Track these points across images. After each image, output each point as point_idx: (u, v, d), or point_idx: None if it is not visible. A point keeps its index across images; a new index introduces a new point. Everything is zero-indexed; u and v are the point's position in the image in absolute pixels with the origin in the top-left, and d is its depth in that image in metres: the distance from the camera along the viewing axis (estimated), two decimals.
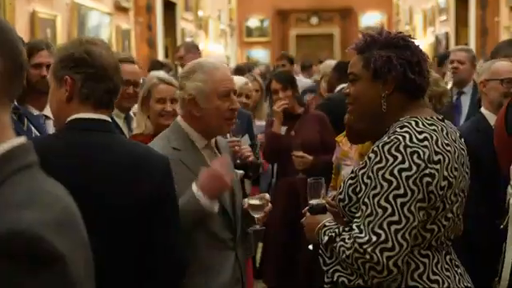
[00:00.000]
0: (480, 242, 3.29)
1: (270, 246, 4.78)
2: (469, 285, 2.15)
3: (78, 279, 0.96)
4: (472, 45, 11.62)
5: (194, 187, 2.37)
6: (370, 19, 22.33)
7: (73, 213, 1.02)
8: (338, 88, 5.97)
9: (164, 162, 2.11)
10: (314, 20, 22.76)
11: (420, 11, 16.89)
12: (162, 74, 3.68)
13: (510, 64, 3.72)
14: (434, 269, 2.06)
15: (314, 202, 2.37)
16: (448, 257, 2.12)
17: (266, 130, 4.89)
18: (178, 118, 2.61)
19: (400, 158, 1.96)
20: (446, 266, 2.09)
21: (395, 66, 2.08)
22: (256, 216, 2.67)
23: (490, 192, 3.26)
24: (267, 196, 2.76)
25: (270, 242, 4.73)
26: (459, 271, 2.15)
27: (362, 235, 1.95)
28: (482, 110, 3.63)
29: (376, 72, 2.11)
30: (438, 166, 1.98)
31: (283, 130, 4.69)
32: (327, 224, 2.15)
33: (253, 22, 22.70)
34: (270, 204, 2.72)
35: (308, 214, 2.32)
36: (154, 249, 2.03)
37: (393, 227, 1.93)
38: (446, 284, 2.05)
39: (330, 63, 7.21)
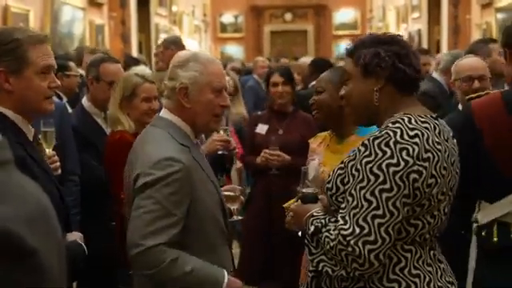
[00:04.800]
0: (449, 237, 3.31)
1: (247, 245, 4.78)
2: (451, 279, 2.17)
3: (51, 274, 0.97)
4: (444, 42, 11.76)
5: (226, 279, 2.33)
6: (344, 16, 22.46)
7: (47, 210, 1.02)
8: (312, 84, 6.01)
9: None
10: (288, 16, 22.81)
11: (393, 8, 17.04)
12: (144, 69, 3.64)
13: (472, 60, 3.70)
14: (416, 264, 2.08)
15: (305, 190, 2.34)
16: (432, 252, 2.14)
17: (249, 128, 4.87)
18: (164, 113, 2.47)
19: (389, 153, 1.97)
20: (429, 261, 2.11)
21: (383, 59, 2.11)
22: (232, 207, 2.68)
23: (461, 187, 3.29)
24: (238, 187, 2.78)
25: (248, 241, 4.75)
26: (442, 266, 2.16)
27: (346, 227, 1.97)
28: (460, 106, 3.66)
29: (366, 68, 2.13)
30: (426, 164, 2.00)
31: (264, 129, 4.63)
32: (315, 214, 2.16)
33: (227, 18, 22.68)
34: (241, 197, 2.76)
35: (298, 201, 2.32)
36: None
37: (376, 221, 1.95)
38: (427, 279, 2.08)
39: (307, 60, 7.30)
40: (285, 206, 2.68)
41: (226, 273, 2.34)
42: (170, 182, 2.23)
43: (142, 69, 3.58)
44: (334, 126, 3.03)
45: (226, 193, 2.66)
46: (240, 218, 2.79)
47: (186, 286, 2.26)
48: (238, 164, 4.81)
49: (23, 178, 1.03)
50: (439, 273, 2.13)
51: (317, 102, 3.04)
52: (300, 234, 2.30)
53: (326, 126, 3.12)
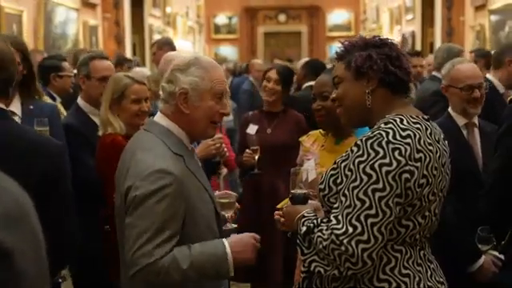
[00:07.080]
0: (448, 239, 3.30)
1: None
2: (441, 279, 2.19)
3: (26, 273, 0.94)
4: (438, 43, 11.76)
5: (228, 249, 2.27)
6: (338, 17, 22.48)
7: (24, 207, 0.99)
8: (305, 85, 6.00)
9: (61, 148, 2.36)
10: (282, 17, 22.83)
11: (387, 10, 17.05)
12: (143, 70, 3.64)
13: (470, 68, 3.64)
14: (406, 263, 2.09)
15: (295, 191, 2.36)
16: (422, 252, 2.16)
17: (241, 129, 4.86)
18: (158, 118, 2.41)
19: (382, 153, 1.99)
20: (419, 261, 2.13)
21: (375, 61, 2.14)
22: (227, 215, 2.63)
23: (455, 189, 3.29)
24: (233, 193, 2.74)
25: None
26: (432, 266, 2.18)
27: (339, 226, 1.99)
28: (450, 110, 3.63)
29: (358, 70, 2.16)
30: (418, 164, 2.02)
31: (254, 129, 4.63)
32: (306, 215, 2.18)
33: (221, 19, 22.68)
34: (237, 203, 2.71)
35: (289, 202, 2.34)
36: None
37: (369, 220, 1.97)
38: (417, 278, 2.09)
39: (302, 61, 7.34)
40: (278, 206, 2.66)
41: (224, 241, 2.30)
42: (162, 196, 2.19)
43: (141, 70, 3.58)
44: (337, 128, 2.98)
45: (221, 200, 2.62)
46: (234, 226, 2.71)
47: (193, 278, 2.22)
48: (224, 170, 4.81)
49: (1, 176, 1.02)
50: (429, 272, 2.14)
51: (324, 107, 2.94)
52: (290, 234, 2.30)
53: (328, 129, 3.06)
